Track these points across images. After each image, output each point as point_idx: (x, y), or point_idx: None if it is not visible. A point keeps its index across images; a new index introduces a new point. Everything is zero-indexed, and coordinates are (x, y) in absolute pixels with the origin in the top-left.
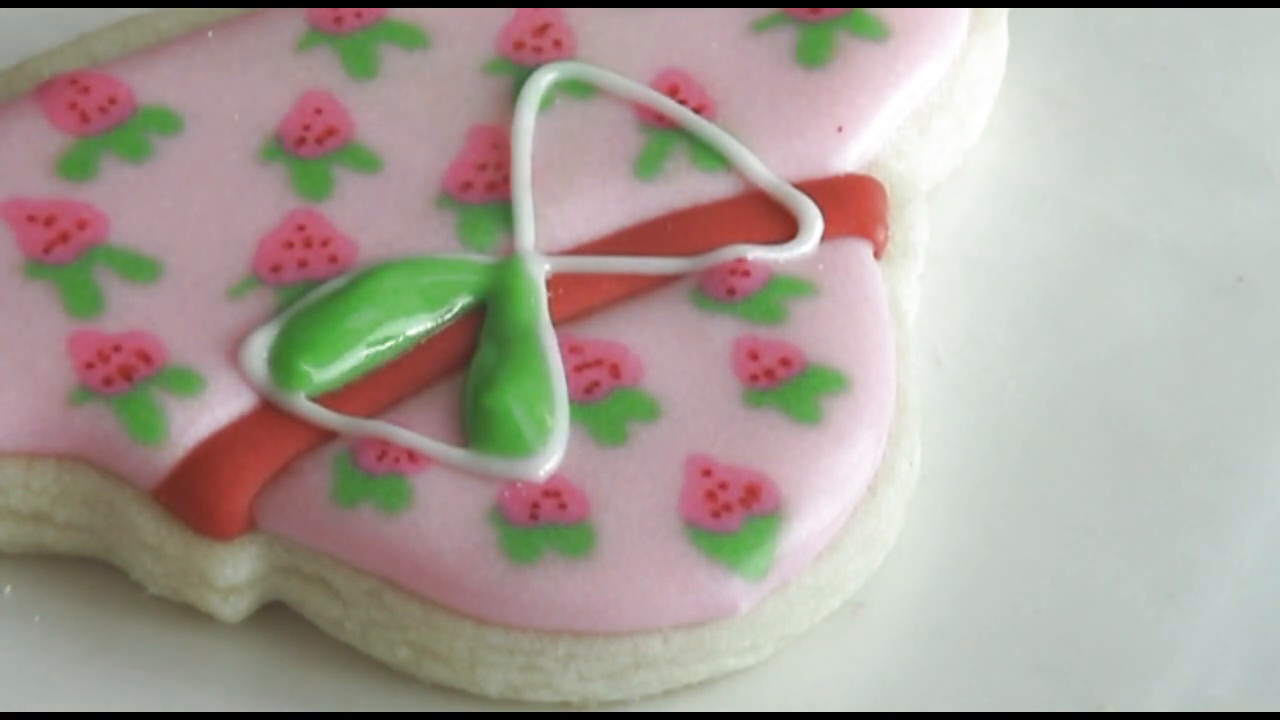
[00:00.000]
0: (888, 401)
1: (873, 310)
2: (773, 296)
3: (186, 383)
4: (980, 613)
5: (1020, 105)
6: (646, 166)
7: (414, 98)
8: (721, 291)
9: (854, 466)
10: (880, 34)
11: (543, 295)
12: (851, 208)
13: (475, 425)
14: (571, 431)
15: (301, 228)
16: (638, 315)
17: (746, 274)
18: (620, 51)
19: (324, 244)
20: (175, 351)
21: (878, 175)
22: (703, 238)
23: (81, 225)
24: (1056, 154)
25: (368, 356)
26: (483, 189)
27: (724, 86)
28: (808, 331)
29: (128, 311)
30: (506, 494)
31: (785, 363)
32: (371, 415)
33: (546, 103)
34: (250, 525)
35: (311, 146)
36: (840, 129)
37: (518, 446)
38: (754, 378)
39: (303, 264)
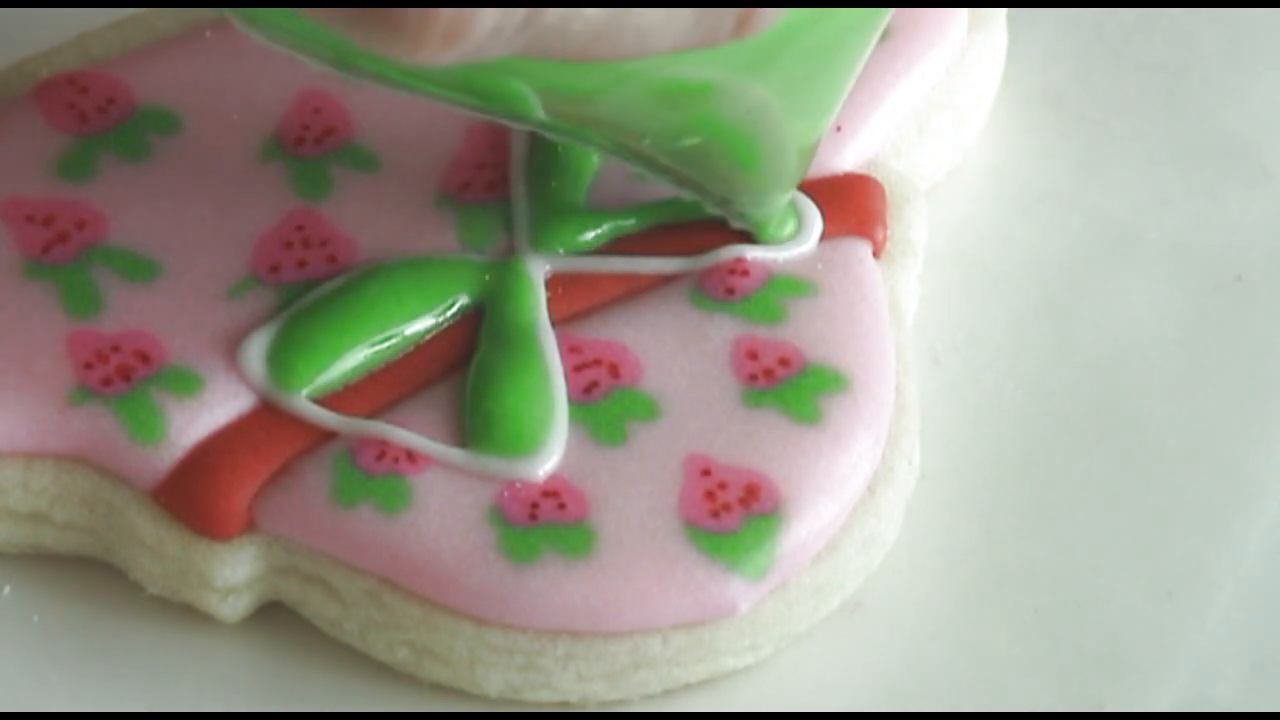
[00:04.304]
0: (887, 401)
1: (871, 310)
2: (771, 296)
3: (185, 383)
4: (980, 613)
5: (1019, 104)
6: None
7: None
8: (720, 291)
9: (853, 466)
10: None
11: (542, 295)
12: (850, 207)
13: (474, 425)
14: (571, 431)
15: (300, 227)
16: (637, 315)
17: (745, 273)
18: None
19: (323, 244)
20: (174, 351)
21: (876, 174)
22: (701, 237)
23: (80, 225)
24: (1056, 153)
25: (367, 356)
26: (482, 188)
27: None
28: (806, 331)
29: (126, 311)
30: (506, 494)
31: (784, 362)
32: (371, 415)
33: None
34: (249, 525)
35: (310, 146)
36: (839, 128)
37: (517, 446)
38: (753, 377)
39: (301, 264)
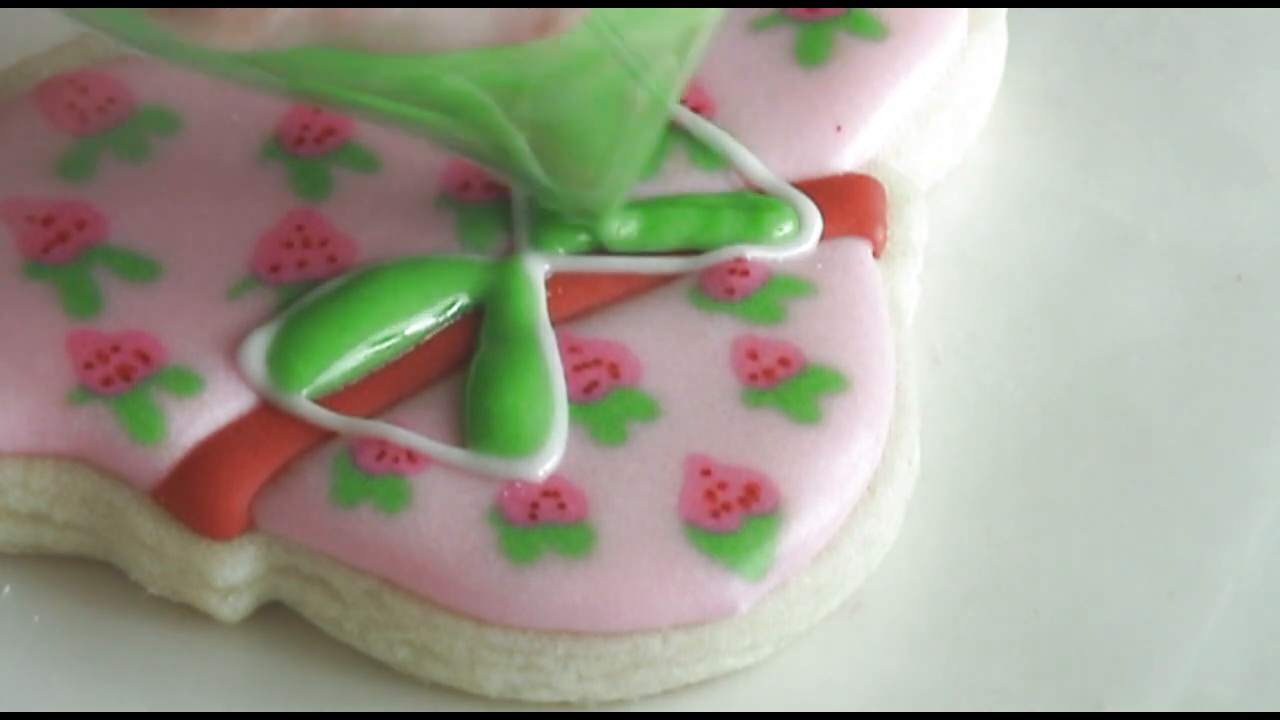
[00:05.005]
0: (886, 401)
1: (871, 310)
2: (771, 296)
3: (185, 383)
4: (979, 613)
5: (1019, 104)
6: (645, 165)
7: None
8: (720, 291)
9: (853, 466)
10: (879, 33)
11: (542, 295)
12: (850, 207)
13: (474, 425)
14: (571, 431)
15: (300, 227)
16: (637, 315)
17: (745, 273)
18: None
19: (323, 244)
20: (174, 351)
21: (876, 174)
22: None
23: (80, 225)
24: (1055, 153)
25: (367, 356)
26: (481, 189)
27: (723, 86)
28: (807, 331)
29: (126, 311)
30: (506, 494)
31: (784, 362)
32: (371, 415)
33: None
34: (249, 525)
35: (310, 146)
36: (839, 128)
37: (517, 446)
38: (753, 377)
39: (302, 264)
